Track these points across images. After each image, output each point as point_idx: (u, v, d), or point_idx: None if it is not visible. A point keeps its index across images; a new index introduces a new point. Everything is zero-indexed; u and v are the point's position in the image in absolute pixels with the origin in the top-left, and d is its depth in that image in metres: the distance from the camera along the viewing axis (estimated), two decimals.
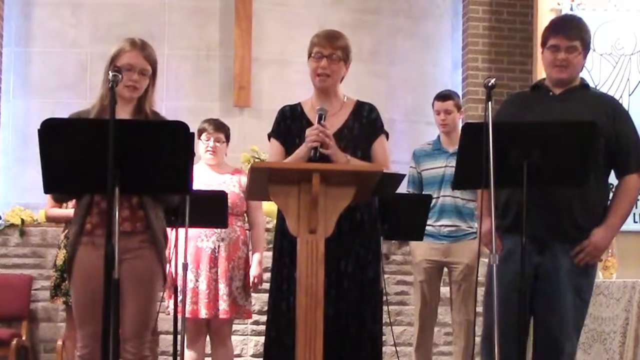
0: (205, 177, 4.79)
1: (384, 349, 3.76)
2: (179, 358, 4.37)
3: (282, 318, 3.57)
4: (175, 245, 4.35)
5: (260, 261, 4.88)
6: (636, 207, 6.01)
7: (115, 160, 2.77)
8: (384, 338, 3.77)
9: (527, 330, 3.40)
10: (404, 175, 4.28)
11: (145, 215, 3.28)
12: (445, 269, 5.24)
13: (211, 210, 4.41)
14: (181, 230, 4.35)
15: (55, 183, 2.99)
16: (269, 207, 5.76)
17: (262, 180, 3.22)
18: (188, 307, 4.62)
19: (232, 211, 4.69)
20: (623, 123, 3.52)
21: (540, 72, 5.67)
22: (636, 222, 6.31)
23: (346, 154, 3.55)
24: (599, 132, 3.27)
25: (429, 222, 4.89)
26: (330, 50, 3.66)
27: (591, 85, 3.89)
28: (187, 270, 4.54)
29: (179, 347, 4.37)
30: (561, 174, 3.21)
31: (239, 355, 6.22)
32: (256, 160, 6.46)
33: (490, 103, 3.08)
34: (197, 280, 4.74)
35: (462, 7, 7.49)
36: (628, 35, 6.65)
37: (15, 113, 6.95)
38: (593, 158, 3.28)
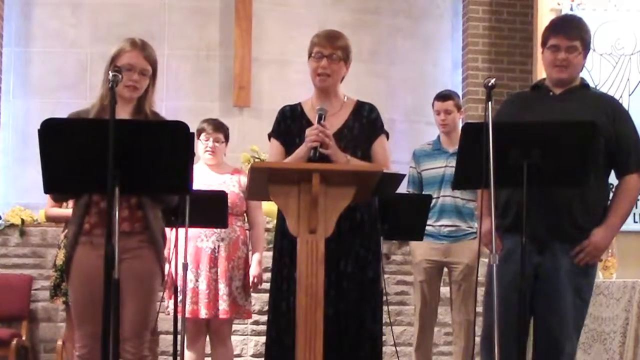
0: (204, 177, 4.79)
1: (384, 349, 3.76)
2: (179, 358, 4.37)
3: (283, 318, 3.57)
4: (175, 245, 4.35)
5: (260, 261, 4.88)
6: (636, 207, 6.01)
7: (115, 160, 2.77)
8: (384, 338, 3.77)
9: (527, 331, 3.40)
10: (404, 175, 4.28)
11: (144, 216, 3.28)
12: (445, 269, 5.24)
13: (211, 210, 4.41)
14: (181, 230, 4.35)
15: (55, 183, 2.99)
16: (269, 207, 5.76)
17: (262, 180, 3.22)
18: (188, 307, 4.62)
19: (232, 211, 4.69)
20: (623, 123, 3.52)
21: (540, 72, 5.67)
22: (636, 222, 6.32)
23: (346, 154, 3.55)
24: (599, 132, 3.27)
25: (429, 222, 4.89)
26: (331, 50, 3.66)
27: (591, 85, 3.89)
28: (187, 270, 4.54)
29: (179, 347, 4.37)
30: (561, 174, 3.21)
31: (239, 355, 6.22)
32: (256, 160, 6.46)
33: (490, 103, 3.08)
34: (197, 280, 4.74)
35: (462, 7, 7.49)
36: (628, 35, 6.65)
37: (15, 113, 6.95)
38: (593, 158, 3.28)
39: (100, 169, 2.78)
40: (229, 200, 4.51)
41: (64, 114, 3.34)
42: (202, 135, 4.88)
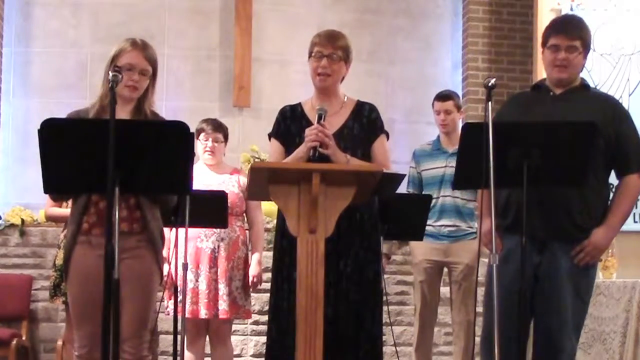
0: (204, 177, 4.79)
1: (384, 349, 3.76)
2: (179, 358, 4.36)
3: (283, 318, 3.57)
4: (175, 246, 4.35)
5: (259, 261, 4.88)
6: (636, 207, 6.01)
7: (115, 160, 2.77)
8: (384, 338, 3.77)
9: (527, 331, 3.40)
10: (404, 175, 4.28)
11: (142, 216, 3.27)
12: (445, 269, 5.24)
13: (211, 210, 4.41)
14: (181, 230, 4.34)
15: (55, 183, 2.99)
16: (269, 207, 5.76)
17: (262, 181, 3.22)
18: (188, 307, 4.62)
19: (232, 211, 4.69)
20: (623, 123, 3.52)
21: (540, 72, 5.67)
22: (636, 222, 6.32)
23: (346, 154, 3.55)
24: (598, 132, 3.28)
25: (429, 222, 4.89)
26: (331, 49, 3.67)
27: (591, 85, 3.89)
28: (187, 270, 4.54)
29: (179, 347, 4.36)
30: (561, 174, 3.21)
31: (239, 355, 6.23)
32: (256, 160, 6.47)
33: (490, 103, 3.08)
34: (196, 281, 4.74)
35: (462, 7, 7.49)
36: (628, 35, 6.65)
37: (15, 113, 6.95)
38: (593, 158, 3.28)
39: (100, 169, 2.78)
40: (228, 200, 4.51)
41: (64, 114, 3.34)
42: (202, 135, 4.88)
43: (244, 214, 4.99)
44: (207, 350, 4.97)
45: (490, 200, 3.08)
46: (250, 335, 6.35)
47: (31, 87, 7.00)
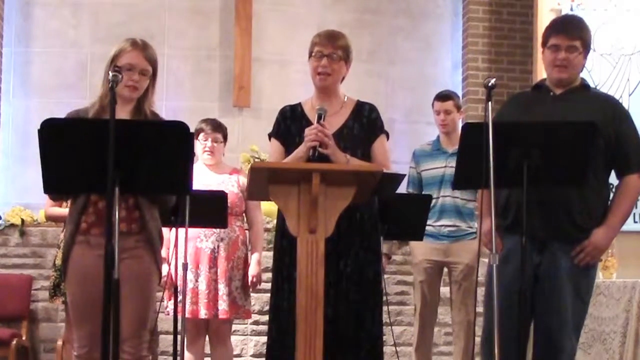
0: (203, 177, 4.79)
1: (384, 349, 3.75)
2: (179, 358, 4.36)
3: (283, 318, 3.57)
4: (175, 246, 4.35)
5: (258, 261, 4.88)
6: (636, 207, 6.01)
7: (115, 160, 2.77)
8: (384, 338, 3.76)
9: (528, 331, 3.40)
10: (404, 175, 4.28)
11: (141, 216, 3.27)
12: (445, 269, 5.24)
13: (211, 210, 4.41)
14: (180, 230, 4.34)
15: (55, 183, 2.99)
16: (269, 207, 5.76)
17: (262, 181, 3.22)
18: (188, 307, 4.62)
19: (231, 211, 4.69)
20: (623, 123, 3.52)
21: (540, 72, 5.67)
22: (636, 222, 6.31)
23: (346, 154, 3.55)
24: (598, 132, 3.28)
25: (429, 222, 4.89)
26: (331, 49, 3.67)
27: (591, 85, 3.89)
28: (187, 270, 4.54)
29: (178, 347, 4.36)
30: (561, 174, 3.21)
31: (239, 355, 6.23)
32: (256, 160, 6.47)
33: (490, 103, 3.08)
34: (196, 281, 4.74)
35: (462, 7, 7.49)
36: (628, 35, 6.64)
37: (15, 113, 6.95)
38: (593, 158, 3.28)
39: (100, 169, 2.78)
40: (227, 200, 4.51)
41: (63, 114, 3.33)
42: (201, 136, 4.88)
43: (244, 214, 4.99)
44: (207, 350, 4.97)
45: (490, 200, 3.08)
46: (250, 335, 6.35)
47: (31, 87, 7.00)
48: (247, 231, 4.98)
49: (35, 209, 6.35)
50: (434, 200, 5.01)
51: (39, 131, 2.89)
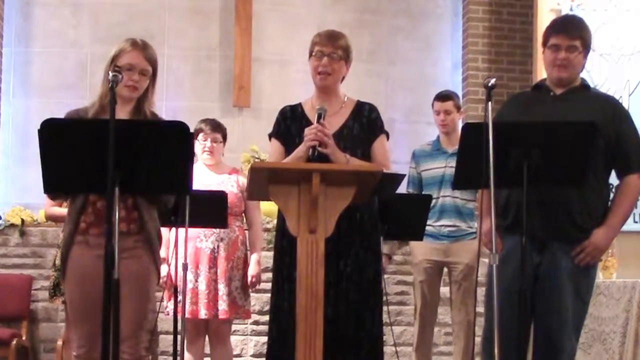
0: (202, 177, 4.78)
1: (384, 348, 3.75)
2: (179, 358, 4.36)
3: (284, 318, 3.57)
4: (175, 246, 4.35)
5: (258, 261, 4.88)
6: (636, 207, 6.01)
7: (115, 160, 2.77)
8: (384, 338, 3.76)
9: (528, 331, 3.40)
10: (404, 175, 4.28)
11: (140, 216, 3.27)
12: (445, 269, 5.24)
13: (211, 210, 4.41)
14: (181, 230, 4.34)
15: (55, 183, 2.99)
16: (269, 207, 5.76)
17: (262, 181, 3.22)
18: (187, 308, 4.61)
19: (231, 211, 4.69)
20: (624, 123, 3.52)
21: (540, 72, 5.67)
22: (636, 222, 6.31)
23: (346, 154, 3.55)
24: (598, 132, 3.28)
25: (429, 222, 4.90)
26: (332, 49, 3.67)
27: (591, 85, 3.89)
28: (187, 270, 4.54)
29: (178, 347, 4.36)
30: (561, 174, 3.21)
31: (239, 355, 6.23)
32: (256, 160, 6.46)
33: (490, 103, 3.08)
34: (196, 281, 4.74)
35: (462, 7, 7.49)
36: (628, 35, 6.64)
37: (15, 113, 6.95)
38: (593, 158, 3.28)
39: (100, 169, 2.78)
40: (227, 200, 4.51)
41: (63, 114, 3.33)
42: (200, 136, 4.88)
43: (243, 214, 4.99)
44: (207, 350, 4.97)
45: (490, 200, 3.08)
46: (250, 335, 6.35)
47: (31, 87, 7.00)
48: (246, 231, 4.98)
49: (35, 209, 6.35)
50: (434, 200, 5.01)
51: (39, 131, 2.89)
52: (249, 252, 4.93)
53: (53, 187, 3.04)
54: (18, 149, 6.85)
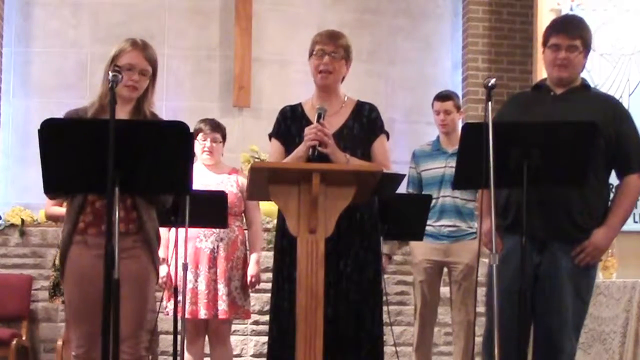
0: (202, 177, 4.78)
1: (384, 348, 3.75)
2: (179, 358, 4.36)
3: (284, 318, 3.57)
4: (175, 246, 4.34)
5: (257, 261, 4.88)
6: (636, 207, 6.00)
7: (115, 160, 2.77)
8: (384, 338, 3.76)
9: (528, 331, 3.40)
10: (404, 176, 4.28)
11: (139, 217, 3.27)
12: (445, 269, 5.24)
13: (211, 210, 4.40)
14: (180, 230, 4.34)
15: (55, 183, 2.99)
16: (269, 207, 5.76)
17: (262, 181, 3.22)
18: (187, 308, 4.61)
19: (230, 211, 4.68)
20: (624, 123, 3.52)
21: (541, 72, 5.67)
22: (636, 222, 6.31)
23: (345, 153, 3.55)
24: (599, 132, 3.27)
25: (429, 222, 4.90)
26: (333, 47, 3.67)
27: (591, 85, 3.89)
28: (187, 270, 4.54)
29: (178, 347, 4.36)
30: (561, 174, 3.21)
31: (239, 355, 6.23)
32: (256, 160, 6.46)
33: (490, 103, 3.08)
34: (196, 281, 4.73)
35: (462, 7, 7.49)
36: (628, 35, 6.64)
37: (15, 113, 6.95)
38: (593, 158, 3.28)
39: (100, 169, 2.78)
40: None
41: (63, 114, 3.34)
42: (200, 136, 4.88)
43: (243, 214, 4.99)
44: (207, 350, 4.97)
45: (490, 200, 3.08)
46: (250, 335, 6.35)
47: (31, 87, 7.00)
48: (246, 231, 4.98)
49: (35, 209, 6.35)
50: (434, 201, 5.01)
51: (39, 131, 2.89)
52: (248, 252, 4.92)
53: (53, 187, 3.04)
54: (18, 149, 6.85)
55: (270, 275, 3.87)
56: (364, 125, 3.72)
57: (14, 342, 5.89)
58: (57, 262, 5.23)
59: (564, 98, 3.53)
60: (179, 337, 4.35)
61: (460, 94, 6.75)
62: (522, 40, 7.28)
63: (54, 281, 5.33)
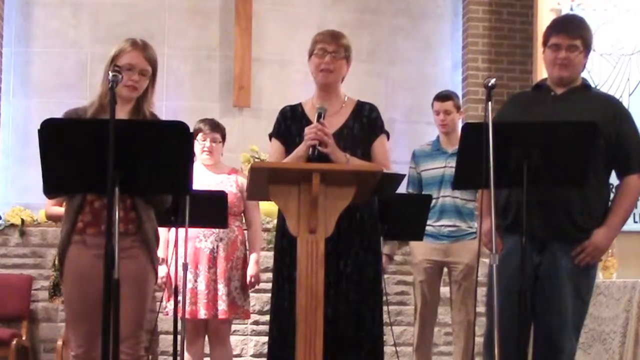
0: (202, 177, 4.78)
1: (384, 348, 3.75)
2: (179, 358, 4.36)
3: (284, 318, 3.57)
4: (175, 246, 4.34)
5: (257, 261, 4.88)
6: (636, 207, 6.00)
7: (115, 160, 2.77)
8: (384, 338, 3.76)
9: (528, 331, 3.40)
10: (404, 176, 4.28)
11: (138, 217, 3.27)
12: (445, 269, 5.24)
13: (211, 210, 4.41)
14: (180, 230, 4.34)
15: (55, 183, 2.99)
16: (269, 207, 5.76)
17: (262, 181, 3.22)
18: (187, 308, 4.61)
19: (230, 211, 4.68)
20: (624, 123, 3.52)
21: (541, 72, 5.67)
22: (636, 222, 6.31)
23: (345, 153, 3.55)
24: (599, 132, 3.27)
25: (429, 222, 4.90)
26: (335, 47, 3.68)
27: (591, 85, 3.89)
28: (187, 270, 4.53)
29: (178, 347, 4.36)
30: (561, 174, 3.21)
31: (239, 355, 6.23)
32: (256, 160, 6.46)
33: (490, 103, 3.08)
34: (195, 281, 4.73)
35: (462, 7, 7.49)
36: (628, 35, 6.64)
37: (15, 113, 6.95)
38: (593, 158, 3.28)
39: (100, 169, 2.78)
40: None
41: (62, 114, 3.34)
42: (199, 136, 4.88)
43: (242, 214, 4.99)
44: (207, 350, 4.97)
45: (490, 200, 3.08)
46: (250, 335, 6.35)
47: (31, 87, 7.00)
48: (245, 231, 4.98)
49: (35, 209, 6.35)
50: (434, 201, 5.01)
51: (39, 131, 2.89)
52: (248, 252, 4.92)
53: (53, 187, 3.04)
54: (18, 149, 6.85)
55: (270, 275, 3.87)
56: (364, 125, 3.72)
57: (14, 342, 5.89)
58: (57, 262, 5.23)
59: (565, 98, 3.53)
60: (178, 337, 4.35)
61: (460, 94, 6.75)
62: (522, 40, 7.28)
63: (54, 281, 5.33)
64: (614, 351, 4.91)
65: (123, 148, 2.81)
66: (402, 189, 4.60)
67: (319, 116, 3.54)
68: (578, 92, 3.56)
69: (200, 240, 4.76)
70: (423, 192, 5.17)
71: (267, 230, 5.95)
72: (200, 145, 4.88)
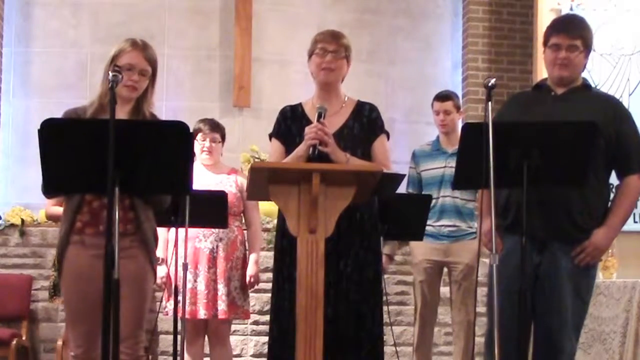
0: (201, 177, 4.78)
1: (384, 348, 3.75)
2: (178, 358, 4.36)
3: (284, 318, 3.57)
4: (175, 246, 4.34)
5: (256, 261, 4.88)
6: (636, 207, 6.00)
7: (115, 160, 2.77)
8: (384, 338, 3.76)
9: (528, 331, 3.40)
10: (404, 176, 4.28)
11: (136, 217, 3.27)
12: (445, 269, 5.24)
13: (211, 210, 4.41)
14: (180, 230, 4.34)
15: (55, 183, 2.99)
16: (269, 207, 5.76)
17: (262, 181, 3.22)
18: (187, 308, 4.61)
19: (230, 211, 4.67)
20: (624, 123, 3.51)
21: (541, 72, 5.67)
22: (636, 222, 6.31)
23: (346, 153, 3.55)
24: (599, 132, 3.27)
25: (429, 222, 4.90)
26: (336, 46, 3.68)
27: (591, 85, 3.89)
28: (186, 270, 4.53)
29: (178, 347, 4.36)
30: (561, 174, 3.21)
31: (239, 355, 6.23)
32: (256, 160, 6.46)
33: (490, 103, 3.08)
34: (195, 281, 4.73)
35: (462, 7, 7.49)
36: (628, 35, 6.65)
37: (15, 113, 6.95)
38: (593, 158, 3.28)
39: (100, 169, 2.78)
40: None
41: (62, 114, 3.33)
42: (199, 136, 4.88)
43: (242, 214, 4.99)
44: (207, 350, 4.97)
45: (490, 200, 3.08)
46: (250, 335, 6.35)
47: (31, 87, 7.00)
48: (245, 231, 4.98)
49: (35, 209, 6.35)
50: (434, 201, 5.01)
51: (39, 131, 2.89)
52: (247, 252, 4.92)
53: (53, 186, 3.04)
54: (18, 149, 6.85)
55: (270, 275, 3.87)
56: (364, 125, 3.72)
57: (14, 342, 5.89)
58: (56, 262, 5.23)
59: (565, 98, 3.53)
60: (178, 337, 4.35)
61: (460, 94, 6.76)
62: (522, 40, 7.28)
63: (54, 281, 5.33)
64: (614, 351, 4.91)
65: (123, 148, 2.81)
66: (402, 189, 4.60)
67: (319, 116, 3.54)
68: (578, 92, 3.56)
69: (200, 240, 4.76)
70: (423, 192, 5.17)
71: (267, 230, 5.95)
72: (200, 145, 4.88)
